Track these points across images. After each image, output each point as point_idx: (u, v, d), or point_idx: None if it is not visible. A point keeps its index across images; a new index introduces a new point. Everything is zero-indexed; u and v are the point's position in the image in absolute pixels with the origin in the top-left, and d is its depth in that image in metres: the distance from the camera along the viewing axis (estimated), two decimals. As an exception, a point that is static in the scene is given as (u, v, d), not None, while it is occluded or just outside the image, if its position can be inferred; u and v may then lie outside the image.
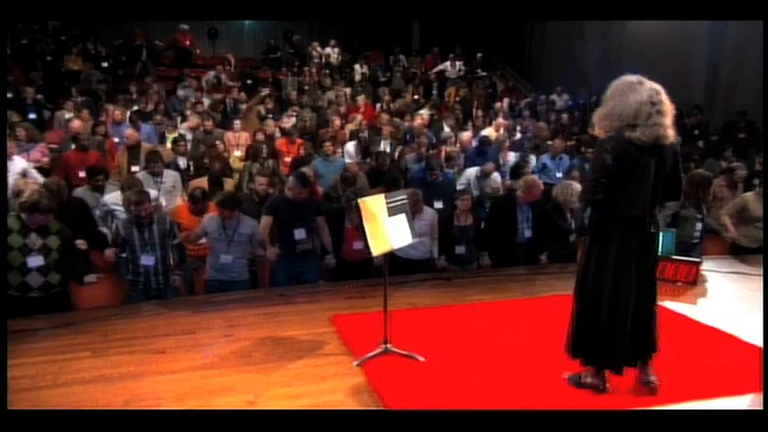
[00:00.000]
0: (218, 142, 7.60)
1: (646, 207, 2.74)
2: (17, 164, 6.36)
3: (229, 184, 6.28)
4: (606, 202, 2.72)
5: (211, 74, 12.02)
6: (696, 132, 9.38)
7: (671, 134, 2.71)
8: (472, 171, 6.95)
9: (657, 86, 2.72)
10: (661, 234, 5.02)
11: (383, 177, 6.45)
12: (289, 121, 9.53)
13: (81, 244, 4.68)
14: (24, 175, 6.17)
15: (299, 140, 8.12)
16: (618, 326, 2.77)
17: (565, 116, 10.59)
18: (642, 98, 2.65)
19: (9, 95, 9.64)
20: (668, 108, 2.70)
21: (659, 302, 2.93)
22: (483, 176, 6.77)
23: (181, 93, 10.96)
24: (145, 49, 12.74)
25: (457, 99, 11.84)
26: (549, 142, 7.96)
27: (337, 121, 9.03)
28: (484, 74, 14.03)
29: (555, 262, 5.32)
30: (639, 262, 2.77)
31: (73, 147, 7.07)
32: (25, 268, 4.04)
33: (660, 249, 4.93)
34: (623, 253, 2.75)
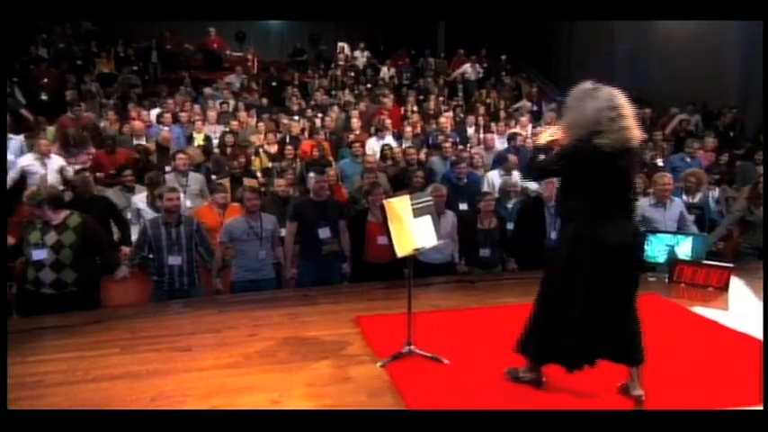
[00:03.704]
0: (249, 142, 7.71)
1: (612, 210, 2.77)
2: (54, 162, 6.53)
3: (252, 182, 6.34)
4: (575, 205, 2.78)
5: (233, 77, 12.11)
6: (731, 134, 9.15)
7: (637, 136, 2.74)
8: (495, 173, 6.90)
9: (615, 91, 2.75)
10: (691, 238, 5.01)
11: (406, 178, 6.47)
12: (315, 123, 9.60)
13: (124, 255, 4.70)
14: (62, 173, 6.33)
15: (317, 141, 8.14)
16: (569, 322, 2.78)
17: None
18: (600, 104, 2.68)
19: (44, 98, 9.91)
20: (629, 110, 2.72)
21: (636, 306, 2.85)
22: (506, 173, 6.69)
23: (207, 92, 11.11)
24: (155, 51, 12.91)
25: (487, 102, 11.79)
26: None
27: (358, 123, 9.05)
28: (506, 77, 13.92)
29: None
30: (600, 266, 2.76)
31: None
32: (38, 264, 4.07)
33: (690, 254, 4.92)
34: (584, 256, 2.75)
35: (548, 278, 2.89)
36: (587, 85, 2.78)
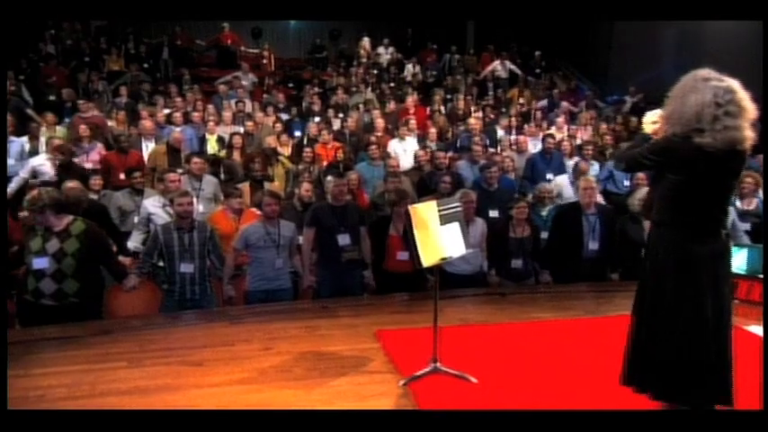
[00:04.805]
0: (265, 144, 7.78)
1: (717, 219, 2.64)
2: None
3: (275, 185, 6.37)
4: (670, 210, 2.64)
5: (239, 74, 12.19)
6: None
7: (748, 137, 2.53)
8: (564, 178, 6.82)
9: (729, 83, 2.54)
10: (746, 250, 4.89)
11: (432, 183, 6.45)
12: (334, 124, 9.64)
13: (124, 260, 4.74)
14: None
15: (335, 144, 8.16)
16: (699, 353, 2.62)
17: (635, 119, 10.27)
18: (705, 99, 2.49)
19: (52, 98, 10.12)
20: (742, 108, 2.52)
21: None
22: (577, 176, 6.50)
23: (222, 89, 11.22)
24: (166, 48, 13.07)
25: (520, 102, 11.74)
26: (624, 144, 7.73)
27: (382, 124, 9.04)
28: (541, 74, 13.83)
29: (627, 279, 5.15)
30: (708, 280, 2.63)
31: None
32: (39, 273, 4.04)
33: (745, 267, 4.80)
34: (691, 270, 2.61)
35: (649, 300, 2.72)
36: (700, 73, 2.57)
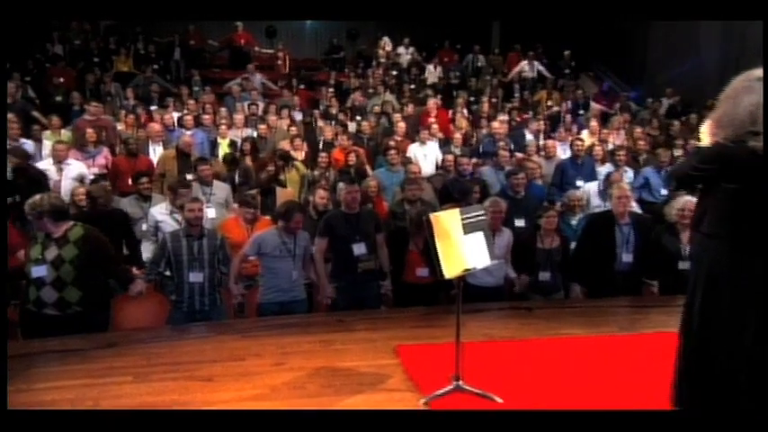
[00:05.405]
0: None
1: None
2: (73, 168, 6.69)
3: (288, 192, 6.38)
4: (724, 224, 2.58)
5: (258, 76, 12.26)
6: None
7: None
8: (592, 186, 6.75)
9: None
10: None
11: (455, 190, 6.43)
12: (349, 127, 9.66)
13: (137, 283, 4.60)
14: (82, 180, 6.50)
15: (352, 148, 8.17)
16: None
17: (677, 123, 10.09)
18: (759, 99, 2.45)
19: (59, 99, 10.28)
20: None
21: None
22: (608, 186, 6.43)
23: (235, 90, 11.30)
24: (178, 48, 13.19)
25: (548, 104, 11.68)
26: (660, 151, 7.66)
27: (403, 128, 9.03)
28: (568, 73, 13.77)
29: (665, 293, 5.07)
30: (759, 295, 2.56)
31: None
32: (39, 282, 4.07)
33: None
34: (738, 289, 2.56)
35: (697, 315, 2.66)
36: (754, 73, 2.53)
